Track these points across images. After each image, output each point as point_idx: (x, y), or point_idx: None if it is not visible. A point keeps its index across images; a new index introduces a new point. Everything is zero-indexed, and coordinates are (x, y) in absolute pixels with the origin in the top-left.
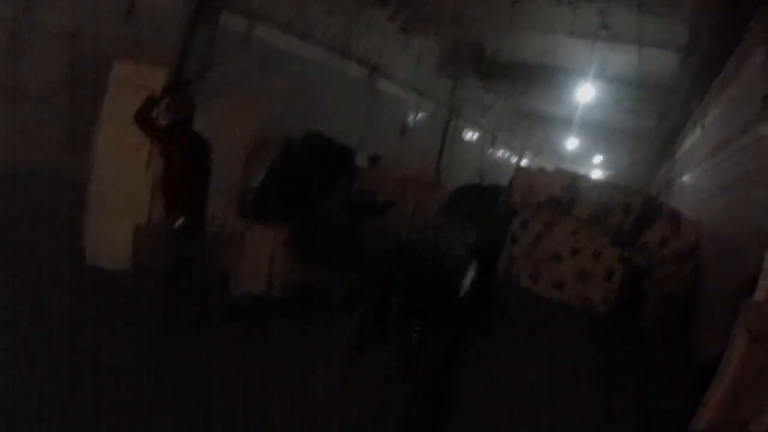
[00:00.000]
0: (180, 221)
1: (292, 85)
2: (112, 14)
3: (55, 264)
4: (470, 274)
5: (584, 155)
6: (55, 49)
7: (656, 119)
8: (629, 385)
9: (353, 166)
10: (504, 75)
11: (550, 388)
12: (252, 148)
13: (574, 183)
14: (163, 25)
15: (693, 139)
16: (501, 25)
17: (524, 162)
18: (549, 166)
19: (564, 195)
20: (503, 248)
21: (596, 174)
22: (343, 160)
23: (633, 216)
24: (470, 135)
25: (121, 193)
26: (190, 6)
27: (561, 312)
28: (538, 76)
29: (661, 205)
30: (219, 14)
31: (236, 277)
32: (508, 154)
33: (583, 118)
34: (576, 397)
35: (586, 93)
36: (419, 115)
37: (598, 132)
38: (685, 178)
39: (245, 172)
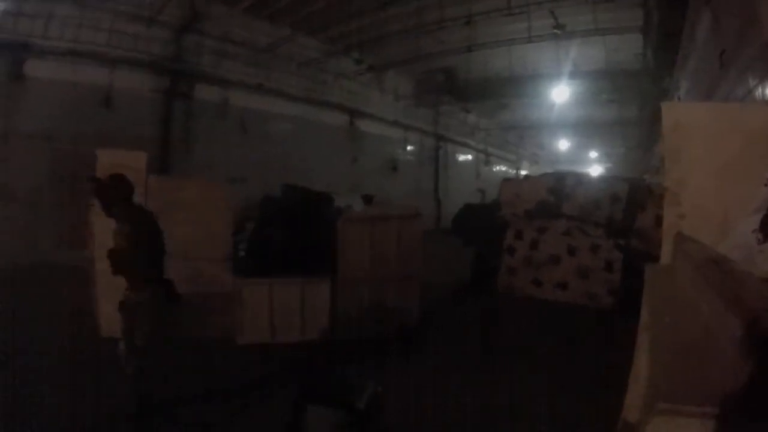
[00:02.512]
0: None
1: (274, 142)
2: (90, 108)
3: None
4: None
5: (579, 153)
6: (37, 152)
7: (637, 103)
8: None
9: (335, 209)
10: (480, 94)
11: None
12: (244, 210)
13: (559, 183)
14: (142, 107)
15: None
16: (463, 47)
17: (523, 172)
18: (547, 171)
19: (551, 197)
20: (501, 261)
21: (596, 169)
22: (322, 205)
23: (622, 204)
24: (462, 157)
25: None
26: (165, 83)
27: (571, 312)
28: (512, 88)
29: (649, 186)
30: (193, 87)
31: (240, 330)
32: (505, 167)
33: (566, 117)
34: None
35: (561, 93)
36: (408, 148)
37: (586, 128)
38: None
39: (238, 234)
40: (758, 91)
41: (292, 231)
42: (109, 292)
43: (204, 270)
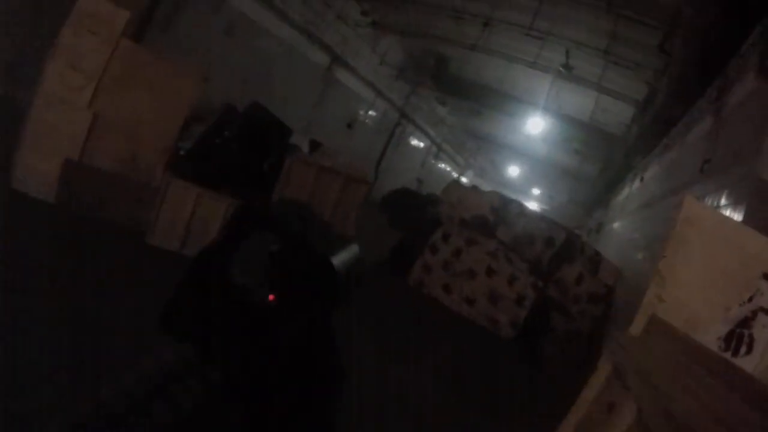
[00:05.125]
0: None
1: (253, 56)
2: None
3: None
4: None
5: (524, 185)
6: None
7: (600, 165)
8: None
9: (288, 145)
10: (462, 93)
11: (442, 401)
12: (195, 110)
13: (503, 206)
14: None
15: (630, 191)
16: (469, 44)
17: (464, 179)
18: (486, 188)
19: (491, 216)
20: (420, 255)
21: (532, 206)
22: (280, 136)
23: (554, 249)
24: (416, 142)
25: (57, 129)
26: None
27: (468, 328)
28: (494, 101)
29: (584, 245)
30: None
31: (152, 229)
32: (450, 168)
33: (531, 149)
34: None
35: (536, 125)
36: (370, 112)
37: (542, 165)
38: (616, 225)
39: (183, 132)
40: (728, 211)
41: (243, 149)
42: (39, 145)
43: (140, 155)
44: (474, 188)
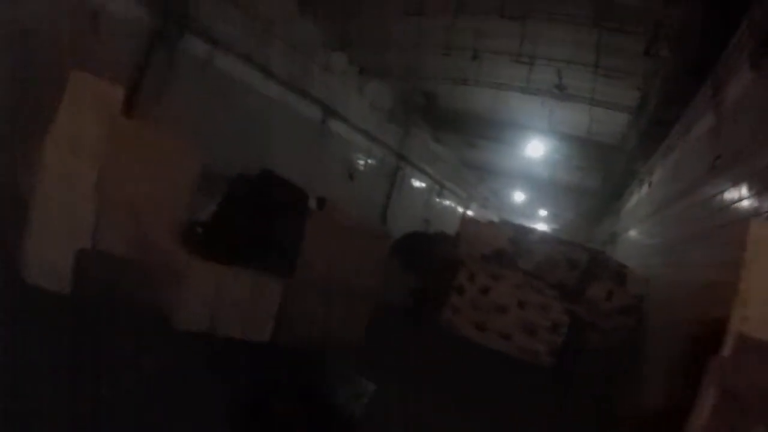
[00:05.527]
0: None
1: (244, 117)
2: (72, 18)
3: None
4: None
5: (530, 208)
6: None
7: (602, 176)
8: None
9: (305, 208)
10: (455, 126)
11: None
12: (200, 179)
13: (520, 236)
14: (125, 37)
15: (639, 197)
16: (457, 77)
17: (470, 213)
18: (495, 218)
19: (510, 247)
20: (445, 297)
21: (541, 227)
22: (295, 202)
23: (579, 270)
24: (418, 183)
25: (65, 216)
26: (155, 22)
27: (504, 361)
28: (489, 130)
29: (608, 260)
30: (182, 36)
31: (178, 312)
32: (454, 203)
33: (531, 172)
34: None
35: (535, 148)
36: (369, 160)
37: (545, 186)
38: (631, 233)
39: (192, 204)
40: (754, 202)
41: (259, 220)
42: (43, 235)
43: (152, 237)
44: (488, 222)
